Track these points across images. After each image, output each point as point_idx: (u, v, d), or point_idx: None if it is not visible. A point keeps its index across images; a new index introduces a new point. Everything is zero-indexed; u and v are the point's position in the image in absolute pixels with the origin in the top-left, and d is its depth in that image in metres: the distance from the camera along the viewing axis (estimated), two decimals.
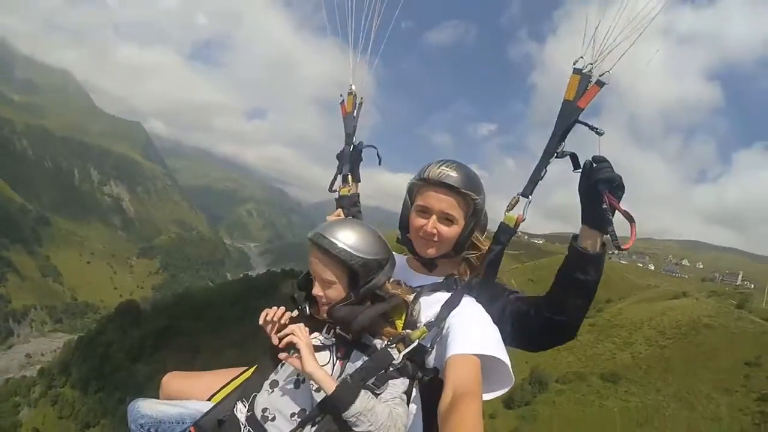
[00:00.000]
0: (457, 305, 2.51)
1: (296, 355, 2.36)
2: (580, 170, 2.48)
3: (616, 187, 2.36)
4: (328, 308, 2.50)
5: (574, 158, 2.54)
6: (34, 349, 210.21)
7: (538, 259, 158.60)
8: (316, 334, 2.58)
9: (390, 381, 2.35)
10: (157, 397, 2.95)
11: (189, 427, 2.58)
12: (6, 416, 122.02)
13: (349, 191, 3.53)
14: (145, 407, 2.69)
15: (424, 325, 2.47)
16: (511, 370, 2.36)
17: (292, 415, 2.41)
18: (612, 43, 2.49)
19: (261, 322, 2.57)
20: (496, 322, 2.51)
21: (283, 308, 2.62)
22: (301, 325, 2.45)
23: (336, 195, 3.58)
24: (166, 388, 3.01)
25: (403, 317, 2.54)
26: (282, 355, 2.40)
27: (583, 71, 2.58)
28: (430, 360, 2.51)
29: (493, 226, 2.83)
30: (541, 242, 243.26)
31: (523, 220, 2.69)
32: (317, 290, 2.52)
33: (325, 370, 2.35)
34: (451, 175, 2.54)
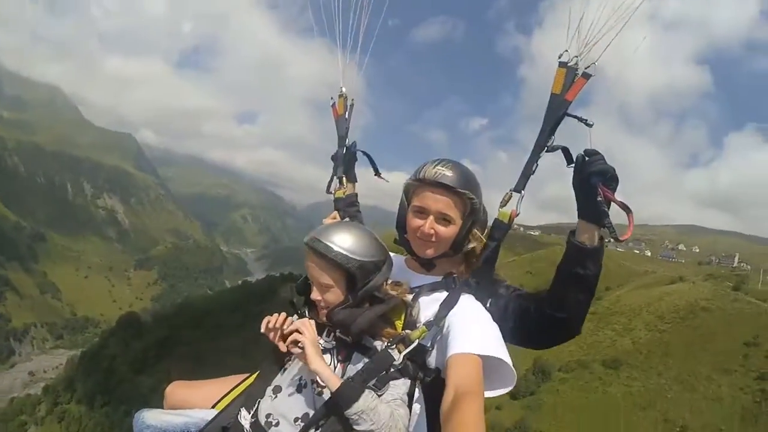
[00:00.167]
0: (456, 304, 2.51)
1: (302, 352, 2.37)
2: (573, 164, 2.47)
3: (610, 178, 2.35)
4: (326, 312, 2.50)
5: (566, 152, 2.55)
6: (36, 367, 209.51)
7: (534, 251, 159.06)
8: (317, 337, 2.52)
9: (391, 382, 2.35)
10: (162, 407, 2.95)
11: None
12: None
13: (344, 193, 3.56)
14: (150, 417, 2.71)
15: (424, 324, 2.47)
16: (513, 368, 2.34)
17: (296, 419, 2.39)
18: (597, 34, 2.48)
19: (263, 330, 2.54)
20: (497, 319, 2.51)
21: (284, 314, 2.59)
22: (306, 320, 2.47)
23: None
24: (170, 398, 3.02)
25: (403, 318, 2.57)
26: (292, 348, 2.42)
27: (569, 64, 2.58)
28: (432, 360, 2.50)
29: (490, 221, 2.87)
30: (537, 234, 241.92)
31: (517, 215, 2.69)
32: (315, 294, 2.52)
33: (329, 368, 2.35)
34: (447, 174, 2.53)
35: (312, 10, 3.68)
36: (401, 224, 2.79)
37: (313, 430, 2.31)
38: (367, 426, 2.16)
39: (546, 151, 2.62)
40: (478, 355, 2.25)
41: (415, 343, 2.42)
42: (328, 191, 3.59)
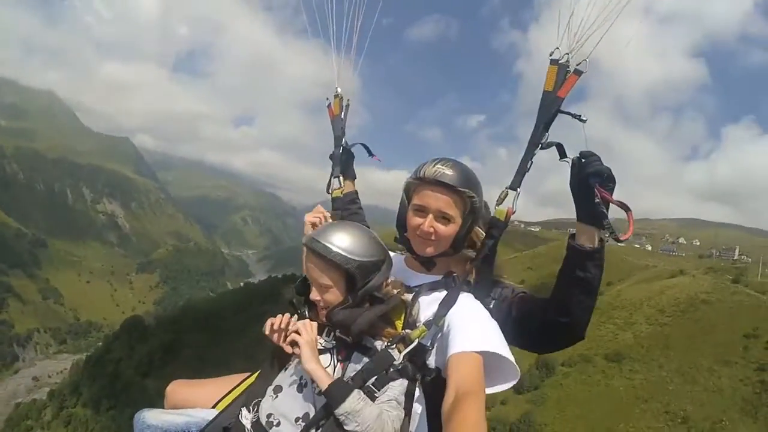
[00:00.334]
0: (455, 302, 2.52)
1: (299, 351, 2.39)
2: (567, 160, 2.48)
3: (607, 179, 2.34)
4: (326, 312, 2.50)
5: (559, 148, 2.55)
6: (40, 372, 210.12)
7: (535, 247, 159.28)
8: (317, 337, 2.54)
9: (389, 383, 2.35)
10: (163, 408, 3.00)
11: None
12: None
13: (341, 192, 3.60)
14: (151, 417, 2.72)
15: (423, 324, 2.48)
16: (514, 362, 2.34)
17: (297, 419, 2.39)
18: (587, 31, 2.51)
19: (267, 332, 2.55)
20: (500, 323, 2.50)
21: (287, 315, 2.59)
22: (307, 321, 2.49)
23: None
24: (171, 397, 3.05)
25: (402, 317, 2.58)
26: (289, 348, 2.45)
27: (560, 61, 2.61)
28: (432, 359, 2.50)
29: None
30: (537, 230, 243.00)
31: (513, 212, 2.71)
32: (315, 295, 2.52)
33: (324, 368, 2.36)
34: (447, 173, 2.53)
35: (305, 12, 3.74)
36: (401, 223, 2.79)
37: (314, 430, 2.30)
38: (352, 427, 2.17)
39: (540, 149, 2.63)
40: (479, 353, 2.26)
41: (415, 343, 2.42)
42: (328, 191, 3.63)
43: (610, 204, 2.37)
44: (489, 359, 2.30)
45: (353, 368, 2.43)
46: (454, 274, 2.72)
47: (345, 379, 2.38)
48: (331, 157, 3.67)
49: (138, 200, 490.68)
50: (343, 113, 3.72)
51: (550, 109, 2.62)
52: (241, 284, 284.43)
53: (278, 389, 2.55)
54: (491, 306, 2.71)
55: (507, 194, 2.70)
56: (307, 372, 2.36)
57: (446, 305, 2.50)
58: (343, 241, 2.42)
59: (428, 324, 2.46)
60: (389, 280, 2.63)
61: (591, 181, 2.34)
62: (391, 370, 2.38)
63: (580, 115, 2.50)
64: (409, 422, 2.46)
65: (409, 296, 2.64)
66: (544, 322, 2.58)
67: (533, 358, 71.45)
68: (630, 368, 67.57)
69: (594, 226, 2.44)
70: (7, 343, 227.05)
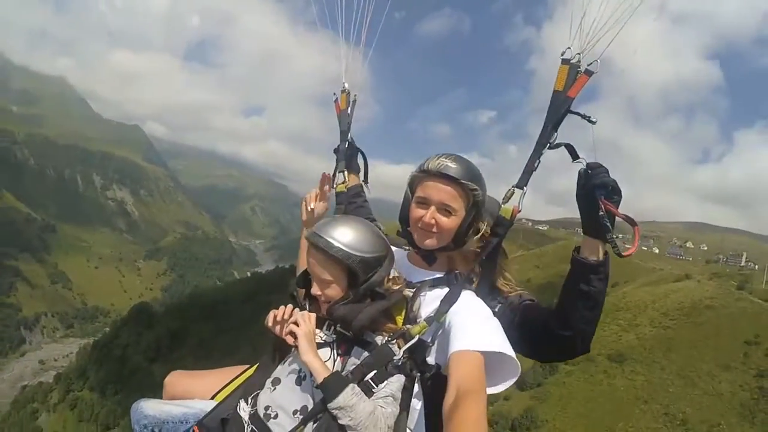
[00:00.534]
0: (457, 300, 2.52)
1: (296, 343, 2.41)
2: (581, 161, 2.46)
3: (612, 191, 2.33)
4: (327, 307, 2.51)
5: (569, 148, 2.54)
6: (46, 356, 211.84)
7: (542, 245, 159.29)
8: (317, 331, 2.55)
9: (388, 378, 2.37)
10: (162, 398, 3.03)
11: (192, 426, 2.60)
12: (25, 423, 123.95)
13: (345, 187, 3.60)
14: (149, 408, 2.75)
15: (424, 320, 2.49)
16: (516, 359, 2.34)
17: (295, 412, 2.39)
18: (599, 31, 2.52)
19: (270, 323, 2.56)
20: (505, 328, 2.46)
21: (290, 306, 2.59)
22: (306, 313, 2.51)
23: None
24: (170, 388, 3.07)
25: (403, 313, 2.59)
26: (288, 339, 2.46)
27: (572, 61, 2.62)
28: (432, 356, 2.51)
29: None
30: (545, 228, 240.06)
31: (519, 211, 2.73)
32: (316, 289, 2.52)
33: (322, 360, 2.38)
34: (451, 166, 2.53)
35: (315, 4, 3.73)
36: (404, 217, 2.77)
37: (312, 422, 2.30)
38: (346, 421, 2.17)
39: (549, 148, 2.65)
40: (480, 352, 2.24)
41: (415, 339, 2.44)
42: (332, 186, 3.55)
43: (615, 217, 2.35)
44: (490, 358, 2.27)
45: (353, 362, 2.41)
46: (456, 271, 2.73)
47: (344, 373, 2.37)
48: (336, 151, 3.71)
49: (147, 188, 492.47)
50: (349, 108, 3.77)
51: (559, 108, 2.61)
52: (248, 273, 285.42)
53: (277, 381, 2.53)
54: (497, 309, 2.67)
55: (513, 193, 2.71)
56: (304, 364, 2.36)
57: (448, 302, 2.49)
58: (345, 236, 2.40)
59: (429, 320, 2.46)
60: (391, 276, 2.64)
61: (596, 193, 2.32)
62: (391, 365, 2.38)
63: (589, 116, 2.50)
64: (407, 418, 2.44)
65: (410, 292, 2.63)
66: (547, 334, 2.54)
67: None
68: (632, 369, 67.90)
69: (598, 238, 2.41)
70: (14, 326, 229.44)
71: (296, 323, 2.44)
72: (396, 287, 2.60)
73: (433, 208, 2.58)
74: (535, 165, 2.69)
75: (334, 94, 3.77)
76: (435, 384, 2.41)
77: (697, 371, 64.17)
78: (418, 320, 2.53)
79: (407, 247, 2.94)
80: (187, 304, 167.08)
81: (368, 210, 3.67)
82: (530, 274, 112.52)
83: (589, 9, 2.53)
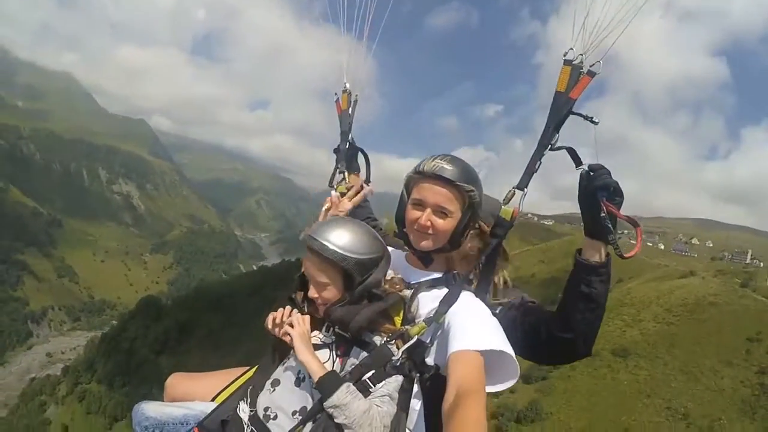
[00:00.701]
0: (456, 300, 2.50)
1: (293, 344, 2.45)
2: (583, 167, 2.46)
3: (614, 193, 2.34)
4: (324, 309, 2.51)
5: (572, 153, 2.55)
6: (54, 348, 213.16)
7: (548, 240, 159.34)
8: (316, 332, 2.59)
9: (386, 379, 2.37)
10: (162, 400, 3.05)
11: (193, 427, 2.62)
12: (33, 415, 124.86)
13: (346, 188, 3.53)
14: (150, 409, 2.77)
15: (423, 321, 2.48)
16: (515, 358, 2.34)
17: (294, 413, 2.41)
18: (603, 31, 2.50)
19: (270, 326, 2.59)
20: (506, 331, 2.44)
21: (288, 308, 2.62)
22: (299, 315, 2.54)
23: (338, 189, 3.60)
24: (170, 390, 3.08)
25: (402, 314, 2.58)
26: (287, 340, 2.51)
27: (574, 62, 2.59)
28: (431, 357, 2.50)
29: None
30: (550, 223, 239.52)
31: (520, 212, 2.73)
32: (313, 292, 2.52)
33: (319, 360, 2.40)
34: (446, 168, 2.50)
35: None
36: (401, 217, 2.75)
37: (311, 423, 2.32)
38: (341, 420, 2.19)
39: (550, 150, 2.65)
40: (480, 351, 2.23)
41: (414, 339, 2.43)
42: (330, 185, 3.61)
43: (618, 219, 2.37)
44: (490, 358, 2.27)
45: (352, 363, 2.43)
46: (454, 272, 2.74)
47: (342, 373, 2.40)
48: (336, 151, 3.70)
49: (153, 182, 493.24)
50: (350, 108, 3.74)
51: (561, 110, 2.61)
52: (254, 267, 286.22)
53: (276, 383, 2.56)
54: (498, 311, 2.71)
55: (514, 194, 2.73)
56: (301, 363, 2.39)
57: (447, 303, 2.49)
58: (340, 239, 2.41)
59: (428, 321, 2.46)
60: (388, 277, 2.65)
61: (598, 194, 2.33)
62: (389, 366, 2.39)
63: (592, 117, 2.50)
64: (407, 418, 2.46)
65: (408, 292, 2.64)
66: (548, 337, 2.58)
67: None
68: (635, 364, 68.13)
69: (600, 240, 2.44)
70: (21, 320, 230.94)
71: (291, 325, 2.47)
72: (394, 288, 2.58)
73: (428, 210, 2.55)
74: (536, 166, 2.67)
75: (335, 94, 3.77)
76: (434, 384, 2.40)
77: (700, 367, 64.51)
78: (416, 321, 2.51)
79: (406, 248, 2.92)
80: (194, 297, 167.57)
81: (369, 210, 3.71)
82: (535, 269, 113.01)
83: (593, 9, 2.48)
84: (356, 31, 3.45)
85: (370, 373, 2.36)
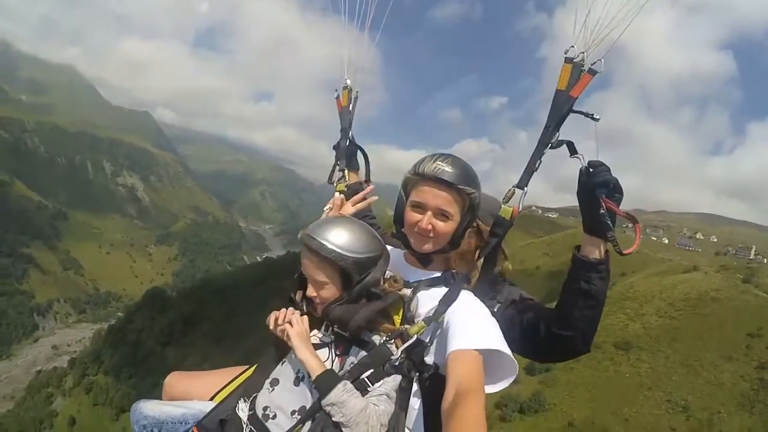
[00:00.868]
0: (455, 300, 2.48)
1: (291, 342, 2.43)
2: (579, 156, 2.43)
3: (613, 189, 2.31)
4: (323, 308, 2.49)
5: (569, 145, 2.51)
6: (59, 341, 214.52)
7: (552, 233, 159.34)
8: (314, 331, 2.59)
9: (384, 378, 2.36)
10: (161, 398, 3.03)
11: (191, 427, 2.60)
12: (40, 407, 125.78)
13: (346, 186, 3.51)
14: (148, 408, 2.76)
15: (423, 320, 2.46)
16: (514, 359, 2.34)
17: (293, 412, 2.39)
18: (605, 29, 2.47)
19: (272, 326, 2.57)
20: (504, 329, 2.44)
21: (291, 309, 2.59)
22: (297, 315, 2.52)
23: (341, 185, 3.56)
24: (169, 389, 3.07)
25: (401, 313, 2.56)
26: (284, 337, 2.48)
27: (575, 60, 2.56)
28: (430, 356, 2.49)
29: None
30: (555, 216, 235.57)
31: (519, 212, 2.69)
32: (311, 291, 2.50)
33: (319, 359, 2.39)
34: (447, 170, 2.46)
35: None
36: (399, 217, 2.72)
37: (310, 422, 2.29)
38: (338, 418, 2.18)
39: (551, 148, 2.61)
40: (479, 350, 2.24)
41: (413, 339, 2.41)
42: (329, 182, 3.59)
43: (617, 215, 2.35)
44: (488, 357, 2.28)
45: (351, 362, 2.43)
46: (453, 271, 2.73)
47: (341, 372, 2.39)
48: (335, 148, 3.68)
49: (157, 174, 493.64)
50: (351, 105, 3.70)
51: (562, 108, 2.58)
52: (258, 258, 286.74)
53: (275, 382, 2.56)
54: (496, 309, 2.71)
55: (513, 193, 2.69)
56: (300, 361, 2.38)
57: (446, 302, 2.47)
58: (338, 238, 2.40)
59: (427, 320, 2.45)
60: (387, 276, 2.64)
61: (597, 191, 2.31)
62: (388, 365, 2.38)
63: (592, 114, 2.46)
64: (406, 417, 2.45)
65: (407, 292, 2.62)
66: (546, 334, 2.55)
67: None
68: (637, 357, 68.51)
69: (598, 237, 2.41)
70: (27, 312, 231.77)
71: (290, 323, 2.46)
72: (394, 287, 2.58)
73: (429, 213, 2.54)
74: (537, 165, 2.66)
75: (336, 90, 3.73)
76: (433, 383, 2.41)
77: (701, 361, 64.98)
78: (416, 320, 2.52)
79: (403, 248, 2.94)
80: (199, 288, 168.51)
81: (368, 208, 3.62)
82: (539, 262, 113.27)
83: (594, 7, 2.47)
84: (358, 22, 3.42)
85: (368, 372, 2.33)
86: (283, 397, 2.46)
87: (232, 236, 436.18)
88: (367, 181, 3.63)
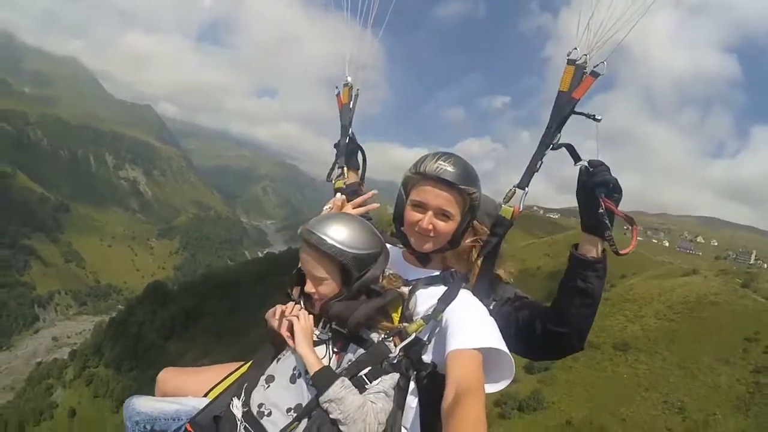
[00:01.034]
0: (454, 298, 2.48)
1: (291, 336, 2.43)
2: (582, 163, 2.44)
3: (612, 189, 2.32)
4: (321, 304, 2.47)
5: (571, 150, 2.52)
6: (60, 333, 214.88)
7: (553, 233, 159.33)
8: (312, 327, 2.54)
9: (382, 376, 2.34)
10: (154, 395, 3.00)
11: (185, 423, 2.57)
12: (40, 398, 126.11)
13: (344, 184, 3.51)
14: (141, 404, 2.72)
15: (421, 318, 2.45)
16: (511, 357, 2.34)
17: (288, 410, 2.36)
18: (608, 31, 2.47)
19: (276, 318, 2.57)
20: (500, 327, 2.44)
21: (297, 306, 2.57)
22: (305, 312, 2.50)
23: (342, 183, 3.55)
24: (162, 385, 3.03)
25: (400, 310, 2.54)
26: (285, 334, 2.48)
27: (578, 62, 2.56)
28: (428, 354, 2.49)
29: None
30: (556, 217, 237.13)
31: (520, 212, 2.70)
32: (309, 287, 2.48)
33: (317, 356, 2.38)
34: (449, 170, 2.44)
35: None
36: (398, 216, 2.71)
37: (306, 420, 2.27)
38: (335, 415, 2.16)
39: (552, 149, 2.62)
40: (478, 350, 2.23)
41: (411, 337, 2.40)
42: (328, 179, 3.58)
43: (615, 215, 2.36)
44: (487, 356, 2.29)
45: (349, 359, 2.41)
46: (452, 270, 2.72)
47: (338, 370, 2.37)
48: (336, 146, 3.67)
49: (160, 167, 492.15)
50: (351, 103, 3.69)
51: (564, 109, 2.59)
52: (260, 254, 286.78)
53: (270, 379, 2.54)
54: (491, 307, 2.73)
55: (514, 193, 2.71)
56: (299, 356, 2.37)
57: (445, 301, 2.47)
58: (338, 233, 2.38)
59: (426, 318, 2.44)
60: (386, 273, 2.63)
61: (597, 191, 2.32)
62: (386, 363, 2.37)
63: (594, 115, 2.47)
64: (402, 416, 2.45)
65: (406, 290, 2.61)
66: (542, 331, 2.57)
67: None
68: (635, 358, 68.81)
69: (596, 236, 2.44)
70: (28, 304, 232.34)
71: (297, 318, 2.46)
72: (393, 285, 2.59)
73: (430, 213, 2.53)
74: (538, 166, 2.68)
75: (336, 87, 3.72)
76: (431, 382, 2.44)
77: (698, 363, 65.30)
78: (414, 318, 2.51)
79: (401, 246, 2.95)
80: (201, 283, 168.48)
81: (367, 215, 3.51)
82: (540, 262, 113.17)
83: (598, 8, 2.49)
84: (361, 19, 3.40)
85: (366, 370, 2.33)
86: (278, 395, 2.43)
87: (233, 231, 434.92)
88: (362, 182, 3.71)
